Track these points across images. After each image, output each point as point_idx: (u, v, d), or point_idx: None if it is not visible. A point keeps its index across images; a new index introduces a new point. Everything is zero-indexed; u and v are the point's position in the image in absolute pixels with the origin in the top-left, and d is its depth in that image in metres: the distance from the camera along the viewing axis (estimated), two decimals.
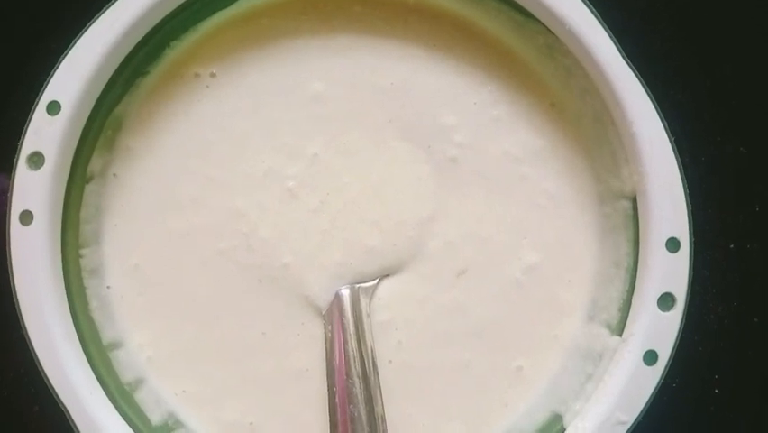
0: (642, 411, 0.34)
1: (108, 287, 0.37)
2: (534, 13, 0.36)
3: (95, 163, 0.37)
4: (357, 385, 0.35)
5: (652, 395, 0.34)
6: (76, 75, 0.34)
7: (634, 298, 0.35)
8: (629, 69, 0.34)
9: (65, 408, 0.34)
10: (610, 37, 0.34)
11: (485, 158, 0.38)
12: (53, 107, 0.34)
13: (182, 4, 0.36)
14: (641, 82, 0.34)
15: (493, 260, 0.37)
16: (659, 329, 0.34)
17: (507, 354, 0.37)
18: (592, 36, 0.34)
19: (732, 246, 0.41)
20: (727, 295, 0.41)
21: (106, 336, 0.37)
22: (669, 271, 0.34)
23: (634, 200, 0.36)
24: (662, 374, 0.34)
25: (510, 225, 0.38)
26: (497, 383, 0.37)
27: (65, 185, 0.35)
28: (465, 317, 0.37)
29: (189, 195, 0.37)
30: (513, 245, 0.37)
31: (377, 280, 0.37)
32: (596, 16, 0.34)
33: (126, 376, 0.37)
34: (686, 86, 0.41)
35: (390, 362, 0.37)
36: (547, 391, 0.37)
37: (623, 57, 0.34)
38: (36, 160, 0.34)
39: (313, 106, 0.37)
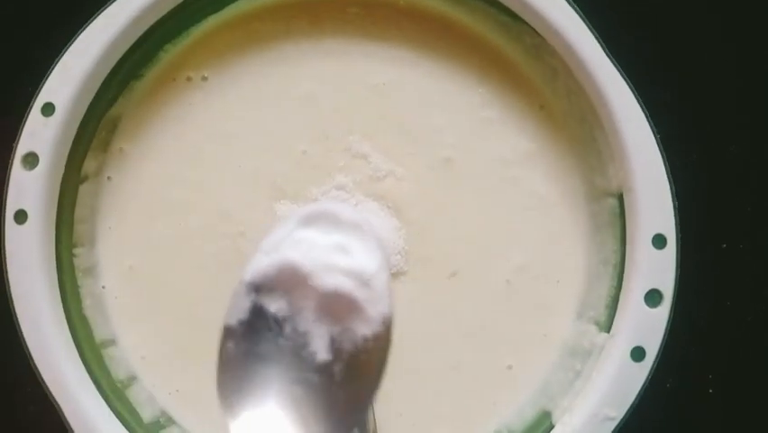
0: (630, 408, 0.34)
1: (103, 287, 0.38)
2: (521, 15, 0.36)
3: (89, 164, 0.37)
4: None
5: (640, 392, 0.34)
6: (69, 77, 0.35)
7: (621, 294, 0.35)
8: (614, 68, 0.34)
9: (57, 404, 0.34)
10: (595, 37, 0.35)
11: (476, 160, 0.38)
12: (48, 109, 0.35)
13: (174, 9, 0.36)
14: (626, 81, 0.34)
15: (484, 261, 0.37)
16: (646, 326, 0.34)
17: (498, 353, 0.37)
18: (577, 36, 0.35)
19: (725, 246, 0.41)
20: (720, 295, 0.41)
21: (100, 334, 0.37)
22: (656, 268, 0.34)
23: (620, 198, 0.36)
24: (650, 371, 0.34)
25: (501, 227, 0.38)
26: (487, 382, 0.37)
27: (59, 185, 0.36)
28: (456, 317, 0.37)
29: (180, 198, 0.38)
30: (503, 247, 0.38)
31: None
32: (581, 17, 0.35)
33: (119, 374, 0.37)
34: (677, 86, 0.41)
35: None
36: (537, 388, 0.37)
37: (608, 56, 0.34)
38: (31, 160, 0.35)
39: (303, 107, 0.38)
